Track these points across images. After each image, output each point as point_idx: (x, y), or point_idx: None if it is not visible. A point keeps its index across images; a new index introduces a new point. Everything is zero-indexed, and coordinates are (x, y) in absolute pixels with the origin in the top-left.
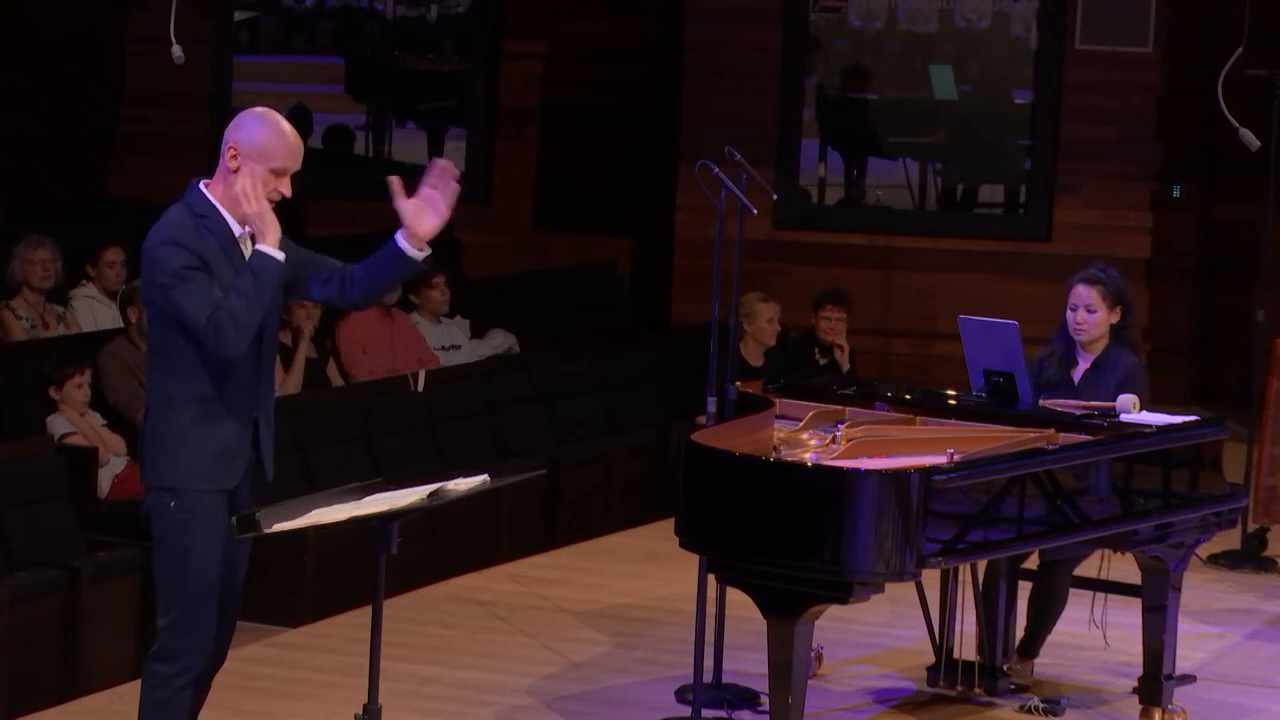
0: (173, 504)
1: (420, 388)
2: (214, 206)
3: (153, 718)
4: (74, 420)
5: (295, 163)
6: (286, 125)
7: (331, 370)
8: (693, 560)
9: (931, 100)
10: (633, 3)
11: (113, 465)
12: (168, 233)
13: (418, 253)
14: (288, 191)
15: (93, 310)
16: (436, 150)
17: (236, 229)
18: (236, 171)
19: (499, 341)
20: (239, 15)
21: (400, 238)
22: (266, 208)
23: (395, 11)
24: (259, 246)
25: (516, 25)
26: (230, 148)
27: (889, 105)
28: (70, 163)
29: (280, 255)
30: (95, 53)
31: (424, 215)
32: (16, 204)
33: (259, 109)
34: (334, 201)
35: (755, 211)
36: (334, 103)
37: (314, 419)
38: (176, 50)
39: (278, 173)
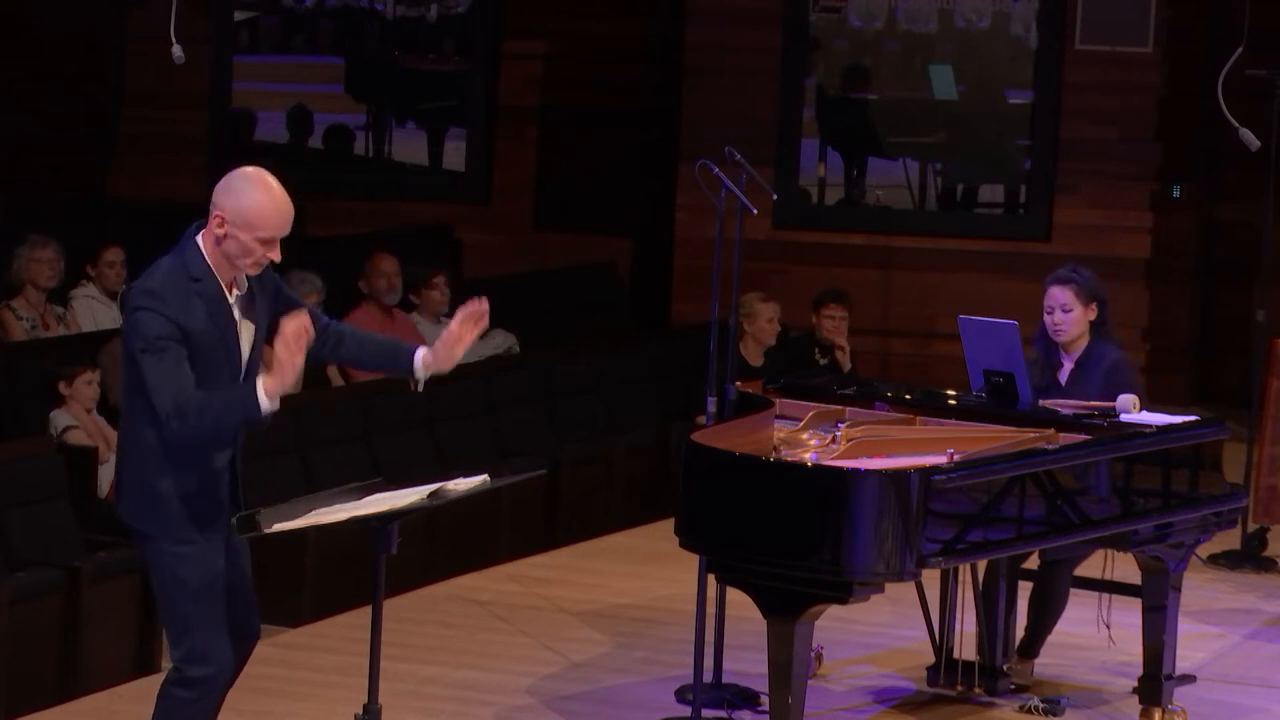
0: (166, 540)
1: (420, 388)
2: (208, 269)
3: None
4: (78, 415)
5: (284, 229)
6: (276, 189)
7: (331, 370)
8: (693, 560)
9: (931, 100)
10: (633, 3)
11: (113, 465)
12: (154, 300)
13: (423, 375)
14: (276, 257)
15: (93, 310)
16: (436, 150)
17: (229, 295)
18: (224, 239)
19: (499, 341)
20: (239, 15)
21: (419, 359)
22: (298, 363)
23: (395, 11)
24: (260, 385)
25: (516, 25)
26: (218, 215)
27: (889, 105)
28: (70, 163)
29: (267, 408)
30: (95, 53)
31: (453, 355)
32: (17, 204)
33: (250, 170)
34: (334, 201)
35: (755, 211)
36: (334, 103)
37: (314, 419)
38: (176, 50)
39: (265, 241)
